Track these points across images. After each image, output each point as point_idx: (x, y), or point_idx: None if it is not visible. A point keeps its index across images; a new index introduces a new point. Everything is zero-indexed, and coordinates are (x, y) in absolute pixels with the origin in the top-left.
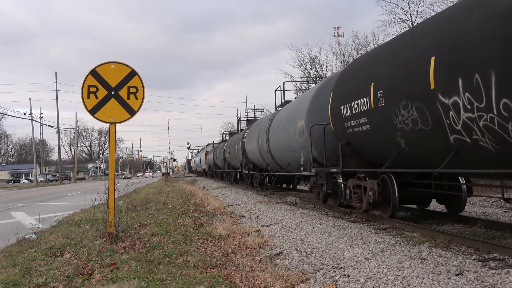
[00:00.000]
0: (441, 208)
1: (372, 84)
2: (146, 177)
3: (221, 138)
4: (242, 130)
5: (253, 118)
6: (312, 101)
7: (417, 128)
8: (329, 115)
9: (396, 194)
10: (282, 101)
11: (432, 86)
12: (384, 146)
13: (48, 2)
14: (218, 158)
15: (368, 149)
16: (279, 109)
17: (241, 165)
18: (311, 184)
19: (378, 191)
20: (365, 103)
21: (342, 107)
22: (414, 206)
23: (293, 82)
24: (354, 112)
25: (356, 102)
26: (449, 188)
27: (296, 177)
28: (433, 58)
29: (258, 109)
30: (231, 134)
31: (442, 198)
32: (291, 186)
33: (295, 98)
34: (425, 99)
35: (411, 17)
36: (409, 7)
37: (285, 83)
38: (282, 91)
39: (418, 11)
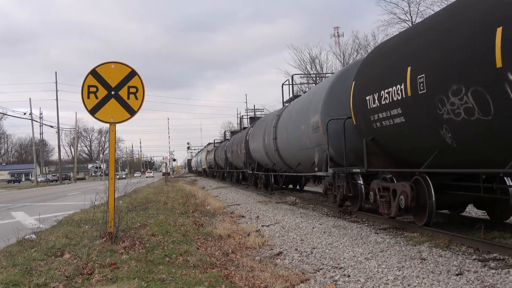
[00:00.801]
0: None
1: (409, 68)
2: (146, 177)
3: (223, 137)
4: (245, 128)
5: (257, 116)
6: (329, 92)
7: (473, 119)
8: (350, 107)
9: (433, 198)
10: (290, 95)
11: (499, 64)
12: (422, 142)
13: (49, 2)
14: (220, 157)
15: (399, 146)
16: (287, 104)
17: (244, 164)
18: (326, 186)
19: (411, 195)
20: (398, 91)
21: (367, 98)
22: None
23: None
24: (383, 102)
25: (386, 90)
26: (497, 192)
27: (304, 178)
28: (499, 29)
29: (258, 109)
30: (233, 132)
31: (484, 203)
32: (297, 187)
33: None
34: (487, 81)
35: (411, 17)
36: (409, 7)
37: (294, 75)
38: (290, 85)
39: (418, 11)
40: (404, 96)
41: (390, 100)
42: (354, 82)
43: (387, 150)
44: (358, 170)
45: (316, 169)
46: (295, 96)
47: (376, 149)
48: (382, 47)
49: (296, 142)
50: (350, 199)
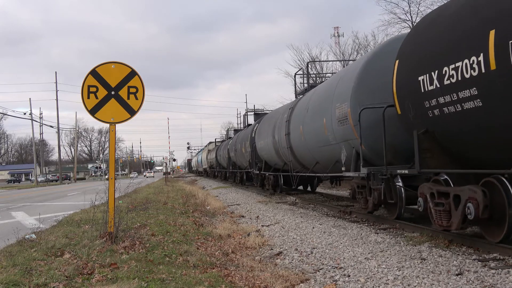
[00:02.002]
0: None
1: (493, 31)
2: (147, 177)
3: (223, 137)
4: (249, 125)
5: (262, 111)
6: (361, 76)
7: None
8: (393, 93)
9: None
10: (305, 86)
11: None
12: (509, 133)
13: (51, 2)
14: (222, 157)
15: (469, 139)
16: (300, 96)
17: (249, 164)
18: (354, 189)
19: (483, 202)
20: (474, 65)
21: (420, 78)
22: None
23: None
24: (447, 82)
25: (452, 66)
26: None
27: (316, 179)
28: None
29: (258, 109)
30: (236, 130)
31: None
32: (308, 189)
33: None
34: None
35: (411, 17)
36: (409, 7)
37: (309, 63)
38: (304, 76)
39: (418, 11)
40: (483, 71)
41: (459, 78)
42: (397, 61)
43: (446, 144)
44: (406, 171)
45: (343, 168)
46: (311, 86)
47: (429, 144)
48: (442, 10)
49: (314, 137)
50: (386, 205)
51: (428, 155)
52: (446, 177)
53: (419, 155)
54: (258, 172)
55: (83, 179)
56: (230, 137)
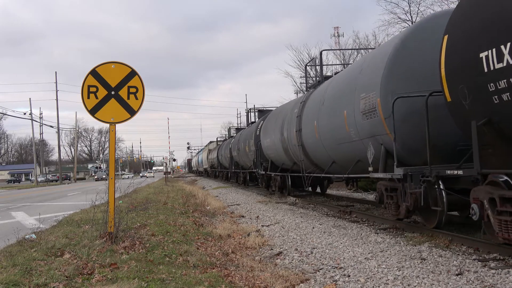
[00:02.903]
0: None
1: None
2: (147, 177)
3: (226, 135)
4: (253, 122)
5: (266, 108)
6: (393, 59)
7: None
8: (440, 76)
9: None
10: (317, 78)
11: None
12: None
13: (52, 2)
14: (224, 156)
15: None
16: (312, 89)
17: (254, 164)
18: (381, 192)
19: None
20: None
21: (483, 55)
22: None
23: (293, 82)
24: None
25: None
26: None
27: (327, 180)
28: None
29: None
30: (238, 129)
31: None
32: (317, 190)
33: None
34: None
35: (411, 16)
36: (410, 7)
37: (322, 52)
38: (317, 66)
39: (419, 11)
40: None
41: None
42: (447, 36)
43: None
44: (459, 172)
45: (370, 169)
46: (326, 78)
47: (492, 138)
48: None
49: (331, 134)
50: (422, 212)
51: (490, 151)
52: (506, 178)
53: (478, 151)
54: (263, 172)
55: (83, 179)
56: (232, 136)
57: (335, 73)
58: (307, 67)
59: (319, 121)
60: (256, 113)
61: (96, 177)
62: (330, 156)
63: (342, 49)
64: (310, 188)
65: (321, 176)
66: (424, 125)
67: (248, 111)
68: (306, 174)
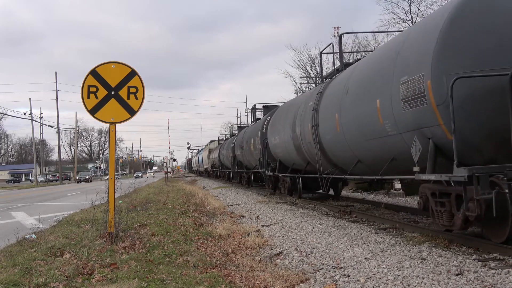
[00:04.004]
0: None
1: None
2: (147, 177)
3: (226, 135)
4: (258, 119)
5: (272, 104)
6: (448, 29)
7: None
8: None
9: None
10: (334, 66)
11: None
12: None
13: (52, 2)
14: (226, 156)
15: None
16: (329, 79)
17: (260, 164)
18: (425, 197)
19: None
20: None
21: None
22: None
23: (293, 82)
24: None
25: None
26: None
27: (341, 181)
28: None
29: (258, 109)
30: (240, 127)
31: None
32: (326, 191)
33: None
34: None
35: (411, 16)
36: (410, 6)
37: (342, 35)
38: (334, 53)
39: (419, 11)
40: None
41: None
42: None
43: None
44: None
45: (415, 169)
46: (346, 64)
47: None
48: None
49: (358, 127)
50: (484, 223)
51: None
52: None
53: None
54: (271, 173)
55: None
56: (234, 134)
57: (356, 60)
58: (322, 54)
59: (342, 114)
60: (261, 110)
61: (77, 177)
62: (355, 154)
63: (364, 32)
64: (321, 191)
65: (344, 177)
66: (485, 114)
67: (252, 107)
68: (325, 176)
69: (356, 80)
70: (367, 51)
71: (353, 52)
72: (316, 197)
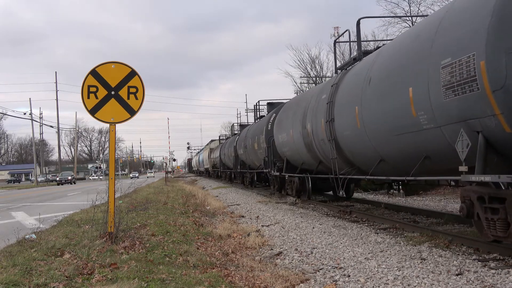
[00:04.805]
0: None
1: None
2: (147, 177)
3: (226, 134)
4: (262, 117)
5: (277, 100)
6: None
7: None
8: None
9: None
10: (350, 55)
11: None
12: None
13: (54, 2)
14: (227, 155)
15: None
16: (345, 70)
17: (265, 163)
18: (470, 202)
19: None
20: None
21: None
22: None
23: (293, 82)
24: None
25: None
26: None
27: (353, 183)
28: None
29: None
30: (242, 125)
31: None
32: (341, 193)
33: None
34: None
35: (411, 16)
36: (410, 7)
37: (361, 19)
38: (351, 42)
39: (419, 11)
40: None
41: None
42: None
43: None
44: None
45: (462, 168)
46: (365, 53)
47: None
48: None
49: (383, 121)
50: None
51: None
52: None
53: None
54: (278, 173)
55: (83, 179)
56: (235, 133)
57: (375, 48)
58: (336, 43)
59: (363, 106)
60: (262, 109)
61: (58, 179)
62: (378, 152)
63: (384, 16)
64: (331, 192)
65: (365, 178)
66: None
67: (256, 104)
68: (341, 176)
69: (381, 67)
70: (389, 40)
71: (372, 41)
72: (324, 199)
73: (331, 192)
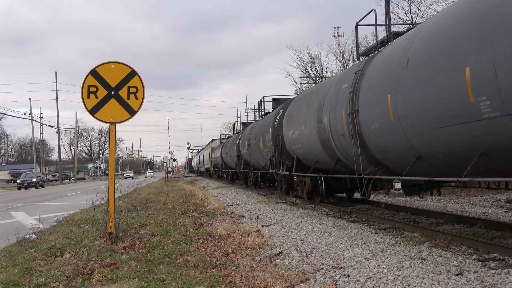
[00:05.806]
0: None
1: None
2: (146, 177)
3: (226, 134)
4: (267, 113)
5: (283, 96)
6: None
7: None
8: None
9: None
10: (377, 39)
11: None
12: None
13: (56, 2)
14: (229, 155)
15: None
16: (370, 55)
17: (271, 163)
18: None
19: None
20: None
21: None
22: None
23: (293, 82)
24: None
25: None
26: None
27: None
28: None
29: (258, 109)
30: (245, 124)
31: None
32: (354, 196)
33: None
34: None
35: (411, 16)
36: (410, 7)
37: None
38: (377, 25)
39: (419, 11)
40: None
41: None
42: None
43: None
44: None
45: None
46: (396, 34)
47: None
48: None
49: (425, 110)
50: None
51: None
52: None
53: None
54: (287, 173)
55: (83, 179)
56: (238, 132)
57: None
58: (358, 26)
59: (398, 95)
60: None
61: (19, 181)
62: (414, 147)
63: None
64: (345, 194)
65: (399, 179)
66: None
67: (261, 100)
68: (366, 177)
69: (422, 46)
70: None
71: (403, 24)
72: (335, 202)
73: (344, 194)
